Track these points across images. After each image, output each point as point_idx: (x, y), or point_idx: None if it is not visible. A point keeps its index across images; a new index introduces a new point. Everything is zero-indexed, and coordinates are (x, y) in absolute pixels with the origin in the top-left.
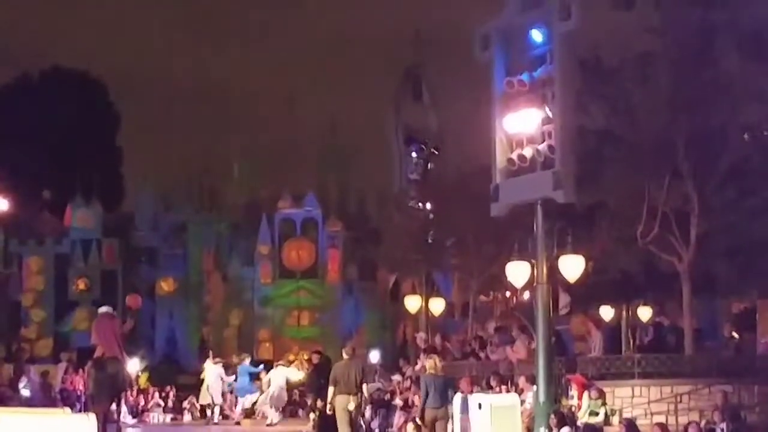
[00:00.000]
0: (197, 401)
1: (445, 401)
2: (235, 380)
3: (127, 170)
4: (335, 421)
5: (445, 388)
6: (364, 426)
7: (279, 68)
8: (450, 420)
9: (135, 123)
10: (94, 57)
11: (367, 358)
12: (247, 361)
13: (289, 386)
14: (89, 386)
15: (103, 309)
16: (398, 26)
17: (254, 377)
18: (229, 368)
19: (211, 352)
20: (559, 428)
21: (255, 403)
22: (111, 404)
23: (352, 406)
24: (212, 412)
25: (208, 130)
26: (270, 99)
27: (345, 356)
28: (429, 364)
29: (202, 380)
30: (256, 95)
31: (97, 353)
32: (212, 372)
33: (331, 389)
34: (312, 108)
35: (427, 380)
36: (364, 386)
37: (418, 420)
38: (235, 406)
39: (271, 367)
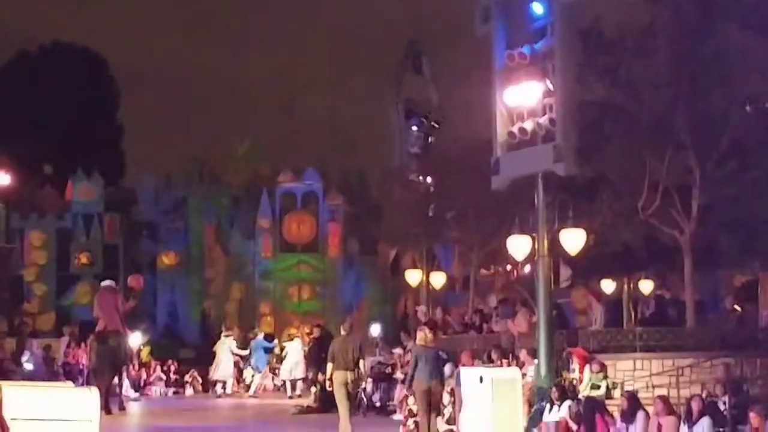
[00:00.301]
0: (198, 375)
1: (435, 374)
2: (249, 355)
3: (128, 146)
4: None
5: (436, 360)
6: (365, 400)
7: (279, 47)
8: (444, 392)
9: (136, 100)
10: (95, 35)
11: (368, 331)
12: (261, 335)
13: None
14: (92, 359)
15: (105, 282)
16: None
17: (268, 351)
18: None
19: (223, 325)
20: (561, 401)
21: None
22: (113, 377)
23: (350, 381)
24: (223, 387)
25: (210, 109)
26: (270, 76)
27: (342, 332)
28: (420, 336)
29: (214, 353)
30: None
31: (99, 327)
32: (224, 346)
33: (329, 365)
34: (313, 85)
35: (417, 352)
36: (362, 362)
37: (406, 390)
38: (245, 380)
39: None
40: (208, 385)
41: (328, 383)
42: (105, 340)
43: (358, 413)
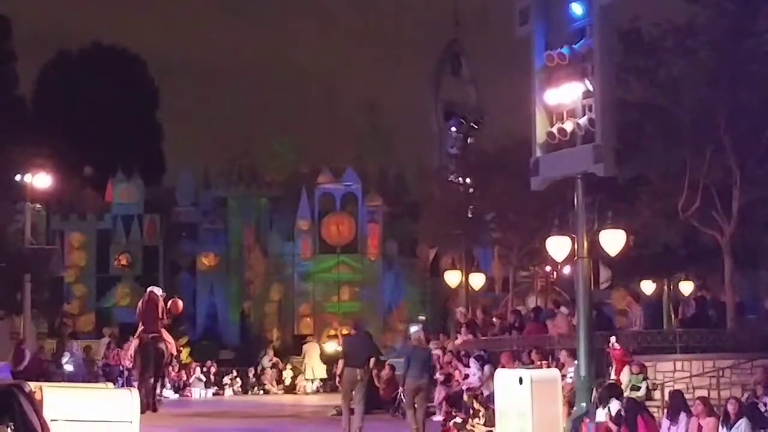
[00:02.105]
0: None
1: (425, 372)
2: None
3: (167, 146)
4: (376, 393)
5: (427, 360)
6: (404, 400)
7: (319, 46)
8: (431, 390)
9: (175, 100)
10: (134, 35)
11: (408, 332)
12: None
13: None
14: (135, 360)
15: (151, 289)
16: (438, 1)
17: None
18: None
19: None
20: (607, 401)
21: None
22: (156, 379)
23: (359, 378)
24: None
25: (248, 108)
26: (310, 76)
27: (353, 332)
28: (414, 337)
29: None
30: (296, 73)
31: (140, 330)
32: (313, 350)
33: (340, 362)
34: (352, 85)
35: (409, 352)
36: (371, 360)
37: (400, 388)
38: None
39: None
40: (247, 386)
41: (338, 379)
42: (146, 342)
43: (398, 414)
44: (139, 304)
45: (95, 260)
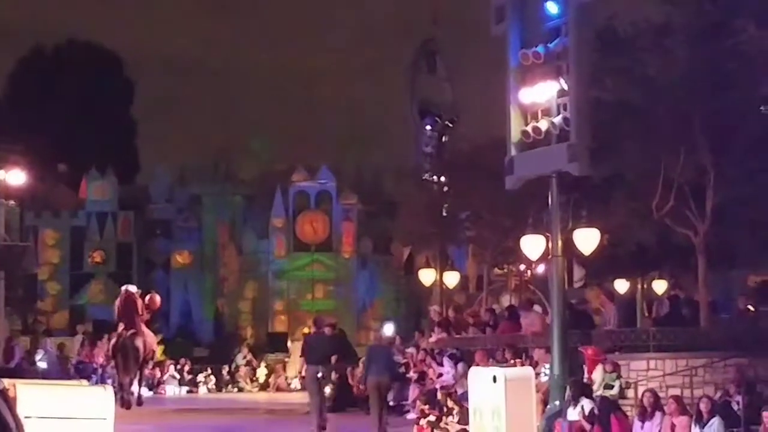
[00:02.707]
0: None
1: (386, 370)
2: None
3: (142, 144)
4: (351, 393)
5: (388, 358)
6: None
7: (295, 44)
8: (392, 388)
9: (150, 97)
10: (108, 31)
11: (381, 331)
12: None
13: None
14: (116, 359)
15: (126, 287)
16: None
17: None
18: None
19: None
20: (577, 400)
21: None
22: (134, 375)
23: (320, 375)
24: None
25: (224, 106)
26: (286, 74)
27: (313, 329)
28: (374, 335)
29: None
30: (272, 71)
31: (119, 328)
32: None
33: (300, 359)
34: (328, 83)
35: (370, 350)
36: (333, 358)
37: (361, 386)
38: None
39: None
40: (221, 384)
41: (299, 376)
42: (123, 339)
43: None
44: (117, 302)
45: (69, 257)
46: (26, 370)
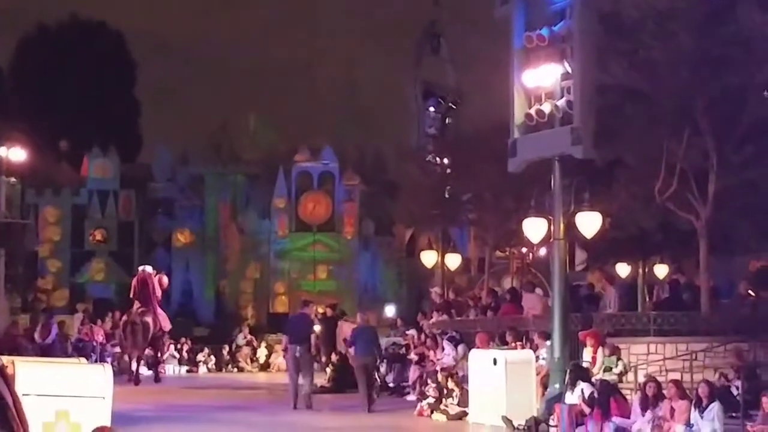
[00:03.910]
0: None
1: (371, 350)
2: None
3: (144, 123)
4: (351, 375)
5: (374, 338)
6: (378, 381)
7: (298, 25)
8: (377, 367)
9: (154, 77)
10: (114, 10)
11: (383, 312)
12: None
13: None
14: (125, 334)
15: (143, 268)
16: None
17: None
18: None
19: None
20: (575, 384)
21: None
22: (142, 352)
23: (298, 354)
24: None
25: (227, 86)
26: (289, 55)
27: (299, 310)
28: (360, 317)
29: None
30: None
31: (135, 306)
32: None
33: (284, 338)
34: (331, 63)
35: (356, 331)
36: (312, 336)
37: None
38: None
39: None
40: (221, 364)
41: (282, 353)
42: (132, 317)
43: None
44: (133, 283)
45: (70, 235)
46: (25, 348)
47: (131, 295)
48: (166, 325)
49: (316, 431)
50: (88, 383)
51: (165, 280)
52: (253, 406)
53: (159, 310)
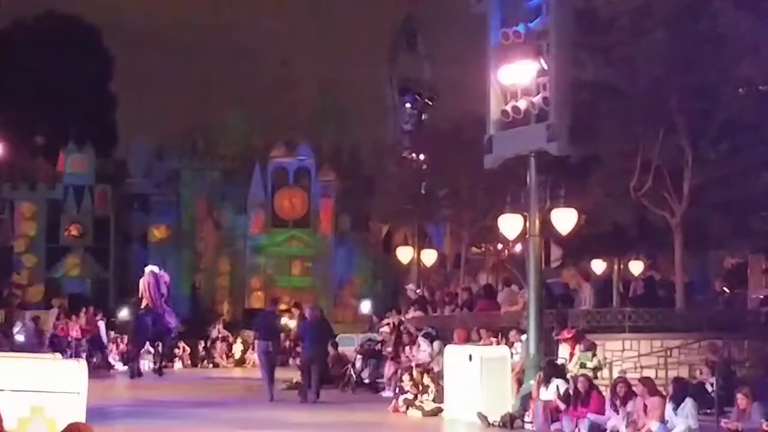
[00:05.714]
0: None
1: (317, 345)
2: None
3: (120, 117)
4: (327, 370)
5: (320, 334)
6: (354, 376)
7: (275, 20)
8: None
9: (130, 71)
10: (89, 4)
11: (359, 308)
12: None
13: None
14: (134, 333)
15: (150, 268)
16: None
17: None
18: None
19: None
20: (550, 379)
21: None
22: (141, 348)
23: (270, 350)
24: None
25: (204, 80)
26: (265, 51)
27: (267, 308)
28: (308, 313)
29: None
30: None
31: (143, 305)
32: None
33: (252, 334)
34: (308, 59)
35: (303, 327)
36: (282, 335)
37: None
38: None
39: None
40: (196, 360)
41: (250, 350)
42: (144, 317)
43: (347, 389)
44: (141, 283)
45: (45, 230)
46: (0, 343)
47: (138, 296)
48: (174, 323)
49: (291, 427)
50: (63, 379)
51: (167, 278)
52: (229, 401)
53: (166, 308)
